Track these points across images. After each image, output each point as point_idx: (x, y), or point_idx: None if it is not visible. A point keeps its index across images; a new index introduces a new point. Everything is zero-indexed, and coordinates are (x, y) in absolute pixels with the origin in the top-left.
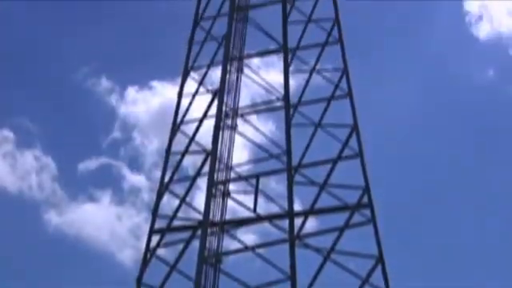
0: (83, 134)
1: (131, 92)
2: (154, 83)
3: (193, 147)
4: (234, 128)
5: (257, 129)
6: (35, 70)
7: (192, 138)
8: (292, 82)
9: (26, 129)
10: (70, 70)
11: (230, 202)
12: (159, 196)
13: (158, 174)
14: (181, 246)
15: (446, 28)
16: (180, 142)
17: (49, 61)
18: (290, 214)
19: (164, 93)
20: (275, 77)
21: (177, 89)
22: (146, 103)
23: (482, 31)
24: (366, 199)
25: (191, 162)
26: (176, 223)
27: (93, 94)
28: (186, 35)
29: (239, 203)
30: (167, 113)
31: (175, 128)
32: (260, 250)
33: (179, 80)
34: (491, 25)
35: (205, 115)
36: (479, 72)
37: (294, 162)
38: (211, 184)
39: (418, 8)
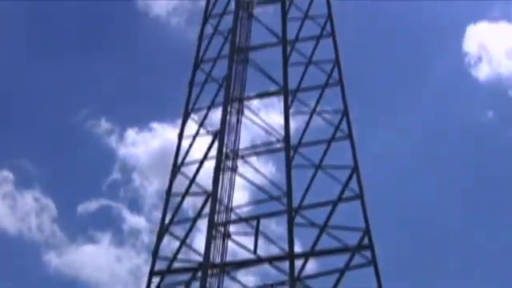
0: (83, 176)
1: (131, 133)
2: (154, 125)
3: (193, 189)
4: (234, 170)
5: (257, 170)
6: (35, 112)
7: (192, 180)
8: (292, 124)
9: (25, 170)
10: (70, 112)
11: (230, 244)
12: (159, 237)
13: (158, 215)
14: None
15: (445, 69)
16: (180, 184)
17: (49, 102)
18: (291, 256)
19: (164, 134)
20: (275, 118)
21: (176, 130)
22: (146, 145)
23: (482, 72)
24: (366, 241)
25: (191, 204)
26: (176, 265)
27: (92, 136)
28: (186, 77)
29: (239, 245)
30: (167, 154)
31: (175, 169)
32: None
33: (179, 121)
34: (490, 66)
35: (205, 157)
36: (479, 113)
37: (295, 203)
38: (211, 226)
39: (417, 49)
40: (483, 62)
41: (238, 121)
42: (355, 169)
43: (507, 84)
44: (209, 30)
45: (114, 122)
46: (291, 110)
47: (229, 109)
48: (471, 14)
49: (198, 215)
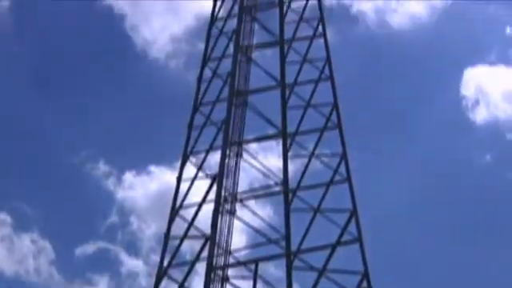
0: (81, 218)
1: (129, 176)
2: (152, 168)
3: (192, 232)
4: (232, 213)
5: (255, 214)
6: (33, 153)
7: (191, 223)
8: (291, 167)
9: (23, 212)
10: (69, 154)
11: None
12: (158, 281)
13: (156, 258)
14: None
15: (443, 112)
16: (179, 227)
17: (47, 144)
18: None
19: (161, 177)
20: (274, 161)
21: (174, 173)
22: (144, 188)
23: (479, 115)
24: (365, 284)
25: (190, 247)
26: None
27: (91, 178)
28: (185, 120)
29: None
30: (165, 197)
31: (174, 212)
32: None
33: (177, 164)
34: (488, 109)
35: (204, 200)
36: (477, 157)
37: (293, 247)
38: (210, 269)
39: (415, 92)
40: (480, 105)
41: (237, 164)
42: (354, 212)
43: (505, 127)
44: (208, 73)
45: (112, 165)
46: (290, 153)
47: (227, 152)
48: (469, 57)
49: (197, 258)
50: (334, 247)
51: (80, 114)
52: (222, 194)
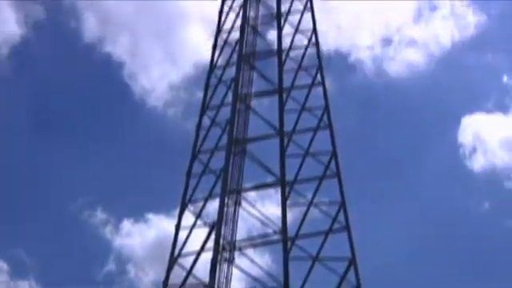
0: (78, 266)
1: (126, 224)
2: (150, 216)
3: (190, 280)
4: (231, 261)
5: (254, 262)
6: (31, 201)
7: (189, 271)
8: (289, 215)
9: (20, 260)
10: (67, 201)
11: None
12: None
13: None
14: None
15: (441, 160)
16: (177, 275)
17: (45, 191)
18: None
19: (159, 225)
20: (272, 209)
21: (172, 221)
22: (142, 236)
23: (477, 163)
24: None
25: None
26: None
27: (88, 226)
28: (183, 168)
29: None
30: (163, 245)
31: (173, 260)
32: None
33: (174, 212)
34: (485, 157)
35: (202, 248)
36: (475, 205)
37: None
38: None
39: (413, 140)
40: (478, 153)
41: (235, 212)
42: (353, 261)
43: (503, 174)
44: (206, 121)
45: (109, 213)
46: (288, 202)
47: (226, 200)
48: (466, 105)
49: None
50: None
51: (78, 161)
52: (221, 242)
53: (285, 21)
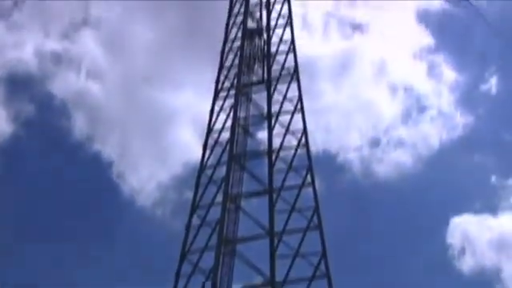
0: None
1: None
2: None
3: None
4: None
5: None
6: None
7: None
8: None
9: None
10: None
11: None
12: None
13: None
14: None
15: (430, 261)
16: None
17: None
18: None
19: None
20: None
21: None
22: None
23: (465, 264)
24: None
25: None
26: None
27: None
28: (172, 269)
29: None
30: None
31: None
32: None
33: None
34: (474, 258)
35: None
36: None
37: None
38: None
39: (402, 240)
40: (467, 254)
41: None
42: None
43: (491, 277)
44: (196, 220)
45: None
46: None
47: None
48: (454, 206)
49: None
50: None
51: (65, 263)
52: None
53: (275, 121)
